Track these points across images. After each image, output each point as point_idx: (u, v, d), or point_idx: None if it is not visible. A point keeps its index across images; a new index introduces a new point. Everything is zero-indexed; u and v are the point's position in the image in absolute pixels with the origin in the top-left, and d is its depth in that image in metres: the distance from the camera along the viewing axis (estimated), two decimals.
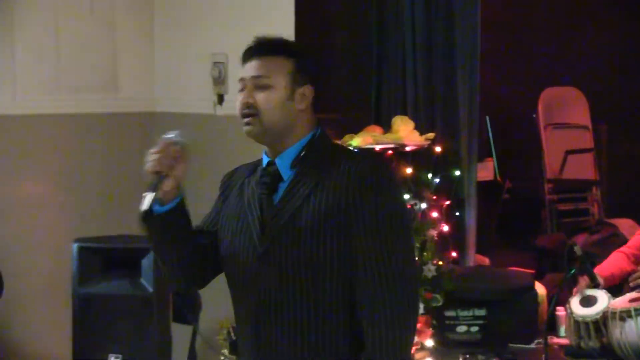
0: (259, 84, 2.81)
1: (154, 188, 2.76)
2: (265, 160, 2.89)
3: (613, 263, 4.77)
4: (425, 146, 5.25)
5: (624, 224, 6.26)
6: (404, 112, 5.58)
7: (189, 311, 5.11)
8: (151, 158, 2.79)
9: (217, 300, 5.61)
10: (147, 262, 4.96)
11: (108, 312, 4.99)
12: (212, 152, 5.92)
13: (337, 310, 2.76)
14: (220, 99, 5.82)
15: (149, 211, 2.79)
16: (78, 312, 5.03)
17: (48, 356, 5.77)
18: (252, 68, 2.83)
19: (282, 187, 2.82)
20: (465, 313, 4.68)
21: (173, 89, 6.18)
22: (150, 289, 4.92)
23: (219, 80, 5.80)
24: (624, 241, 5.05)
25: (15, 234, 5.64)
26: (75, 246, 5.05)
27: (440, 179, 5.18)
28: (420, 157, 5.17)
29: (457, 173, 5.41)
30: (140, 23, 6.17)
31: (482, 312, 4.67)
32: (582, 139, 8.45)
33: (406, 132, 5.25)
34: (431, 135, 5.34)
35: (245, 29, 5.59)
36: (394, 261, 2.71)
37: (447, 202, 5.20)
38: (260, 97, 2.80)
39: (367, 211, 2.72)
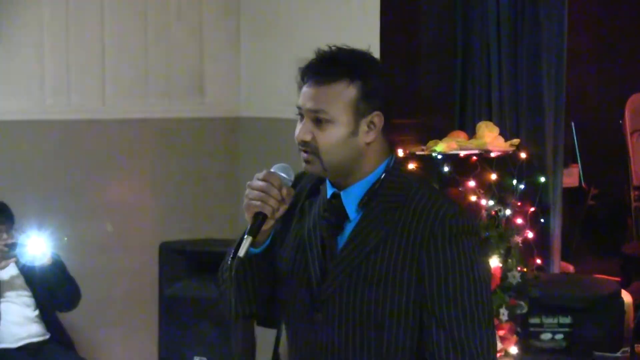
0: (316, 118, 2.42)
1: (255, 232, 2.42)
2: (330, 190, 2.50)
3: None
4: (510, 152, 5.23)
5: None
6: (488, 118, 5.56)
7: (273, 315, 5.14)
8: (253, 195, 2.45)
9: None
10: None
11: (193, 314, 5.05)
12: (297, 157, 5.96)
13: None
14: None
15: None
16: (164, 314, 5.10)
17: (135, 356, 5.85)
18: (309, 97, 2.43)
19: (348, 228, 2.45)
20: (550, 320, 4.65)
21: (258, 94, 6.22)
22: None
23: None
24: None
25: (103, 235, 5.73)
26: (162, 249, 5.13)
27: (525, 185, 5.15)
28: (505, 163, 5.15)
29: (542, 179, 5.37)
30: (226, 28, 6.23)
31: (567, 320, 4.63)
32: None
33: (491, 138, 5.24)
34: (516, 141, 5.32)
35: (331, 33, 5.63)
36: (470, 335, 2.35)
37: (532, 209, 5.17)
38: (319, 135, 2.41)
39: (442, 271, 2.36)
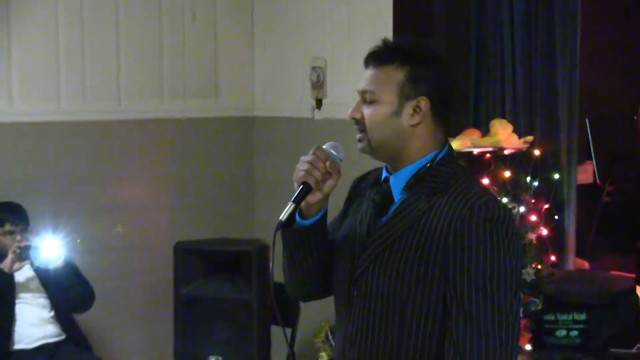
0: (366, 98, 2.57)
1: (297, 199, 2.59)
2: (384, 174, 2.65)
3: None
4: (524, 149, 5.22)
5: None
6: (502, 115, 5.56)
7: (288, 314, 5.17)
8: (301, 167, 2.58)
9: (315, 302, 5.67)
10: (247, 265, 5.01)
11: (209, 314, 5.07)
12: None
13: (422, 356, 2.50)
14: (319, 103, 5.87)
15: (291, 222, 2.62)
16: (179, 314, 5.12)
17: (150, 356, 5.88)
18: (364, 79, 2.59)
19: (392, 210, 2.58)
20: (564, 317, 4.64)
21: (272, 94, 6.24)
22: (251, 292, 4.98)
23: (318, 85, 5.85)
24: None
25: (119, 236, 5.76)
26: (177, 248, 5.14)
27: (539, 182, 5.15)
28: (519, 161, 5.14)
29: (557, 176, 5.36)
30: (240, 29, 6.25)
31: (581, 317, 4.62)
32: None
33: (505, 135, 5.23)
34: (530, 138, 5.31)
35: (343, 34, 5.65)
36: (489, 318, 2.39)
37: (546, 206, 5.17)
38: (366, 112, 2.56)
39: (466, 253, 2.41)
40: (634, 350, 4.54)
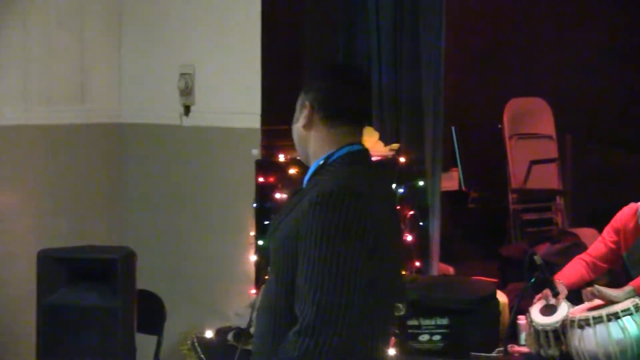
0: None
1: None
2: None
3: (573, 271, 4.85)
4: (390, 157, 5.30)
5: (586, 234, 6.30)
6: (368, 123, 5.62)
7: (152, 321, 5.14)
8: None
9: (181, 310, 5.66)
10: (113, 273, 4.97)
11: (73, 322, 4.99)
12: (178, 162, 5.95)
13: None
14: (187, 110, 5.86)
15: None
16: (42, 323, 5.03)
17: None
18: None
19: None
20: (428, 322, 4.71)
21: (140, 100, 6.20)
22: (116, 300, 4.93)
23: (186, 92, 5.83)
24: (585, 251, 5.10)
25: None
26: (40, 256, 5.06)
27: (405, 189, 5.23)
28: (385, 168, 5.22)
29: (421, 183, 5.45)
30: (108, 35, 6.19)
31: (444, 321, 4.70)
32: (546, 149, 8.53)
33: (371, 143, 5.30)
34: (395, 145, 5.39)
35: (212, 41, 5.65)
36: (306, 289, 2.68)
37: (411, 212, 5.25)
38: None
39: (304, 229, 2.72)
40: (494, 354, 4.64)
